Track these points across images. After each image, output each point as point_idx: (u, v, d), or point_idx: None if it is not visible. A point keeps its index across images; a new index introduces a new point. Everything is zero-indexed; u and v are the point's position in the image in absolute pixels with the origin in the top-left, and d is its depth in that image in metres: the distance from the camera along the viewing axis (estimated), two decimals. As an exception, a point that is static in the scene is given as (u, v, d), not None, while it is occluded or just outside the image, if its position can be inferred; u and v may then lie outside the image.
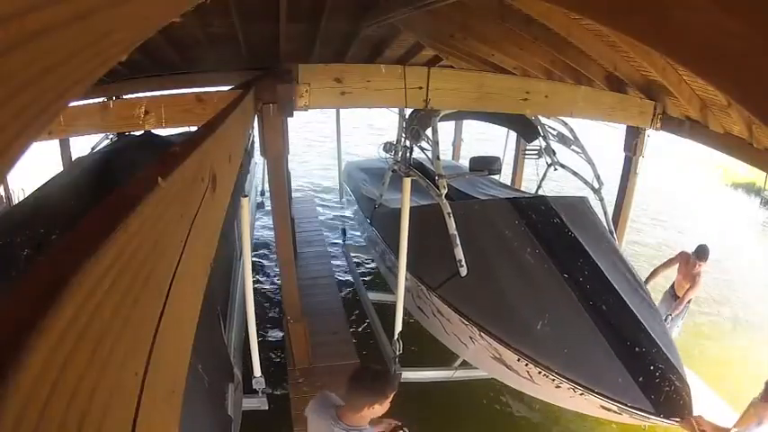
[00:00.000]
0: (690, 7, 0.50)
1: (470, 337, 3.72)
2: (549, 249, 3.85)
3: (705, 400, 4.21)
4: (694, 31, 0.51)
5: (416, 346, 4.82)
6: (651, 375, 3.14)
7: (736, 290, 7.41)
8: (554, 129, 5.16)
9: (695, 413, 3.09)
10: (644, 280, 4.33)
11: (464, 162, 7.13)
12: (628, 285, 3.78)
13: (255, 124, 3.74)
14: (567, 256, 3.84)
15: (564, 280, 3.65)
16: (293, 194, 8.18)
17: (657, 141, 4.82)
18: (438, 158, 4.29)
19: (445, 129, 7.19)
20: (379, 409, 2.24)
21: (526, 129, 5.62)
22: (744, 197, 12.91)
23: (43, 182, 4.12)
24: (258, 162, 7.30)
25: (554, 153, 5.33)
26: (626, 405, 3.06)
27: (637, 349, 3.25)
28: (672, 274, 5.22)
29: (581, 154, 4.79)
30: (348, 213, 8.61)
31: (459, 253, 3.83)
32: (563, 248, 3.89)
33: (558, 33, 3.69)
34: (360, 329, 5.47)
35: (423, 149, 4.96)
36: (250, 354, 3.72)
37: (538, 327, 3.40)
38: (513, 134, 7.16)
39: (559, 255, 3.83)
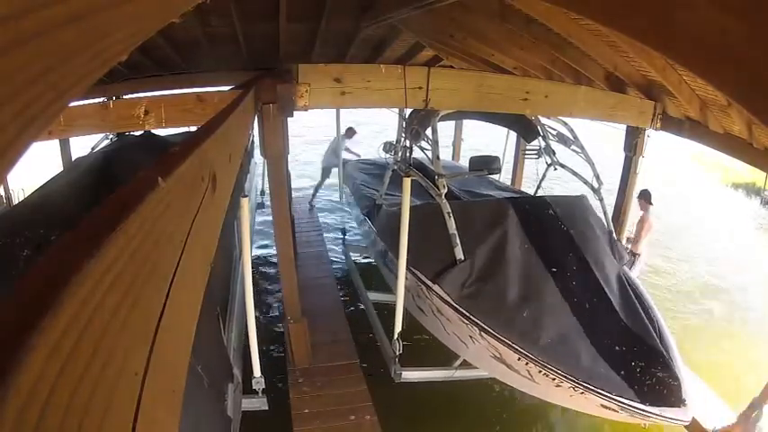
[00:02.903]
0: (690, 7, 0.50)
1: (470, 337, 3.73)
2: (544, 251, 3.92)
3: (704, 401, 4.22)
4: (694, 31, 0.51)
5: (415, 344, 4.82)
6: (633, 368, 3.24)
7: (736, 289, 7.41)
8: (554, 129, 5.16)
9: (694, 410, 3.12)
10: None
11: (464, 162, 7.13)
12: (616, 283, 3.86)
13: (255, 124, 3.74)
14: (559, 256, 3.90)
15: (552, 278, 3.74)
16: (293, 194, 8.18)
17: (658, 141, 4.82)
18: (438, 158, 4.29)
19: (445, 129, 7.18)
20: None
21: (526, 129, 5.62)
22: (744, 197, 12.91)
23: (43, 182, 4.12)
24: (258, 162, 7.29)
25: (554, 153, 5.33)
26: (611, 395, 3.12)
27: (617, 346, 3.36)
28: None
29: (581, 154, 4.79)
30: (348, 212, 8.61)
31: (459, 252, 3.84)
32: (557, 249, 3.95)
33: (558, 33, 3.68)
34: (360, 329, 5.47)
35: (422, 149, 4.96)
36: (250, 354, 3.72)
37: (524, 314, 3.52)
38: (513, 134, 7.16)
39: (552, 255, 3.90)
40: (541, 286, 3.72)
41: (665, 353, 3.34)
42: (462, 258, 3.84)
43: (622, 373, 3.21)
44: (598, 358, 3.28)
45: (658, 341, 3.42)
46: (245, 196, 3.72)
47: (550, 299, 3.63)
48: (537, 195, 5.34)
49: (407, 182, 3.89)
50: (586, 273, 3.81)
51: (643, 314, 3.67)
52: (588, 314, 3.55)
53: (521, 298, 3.64)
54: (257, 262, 7.14)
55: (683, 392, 3.14)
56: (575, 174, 4.89)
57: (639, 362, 3.27)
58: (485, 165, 4.84)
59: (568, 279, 3.75)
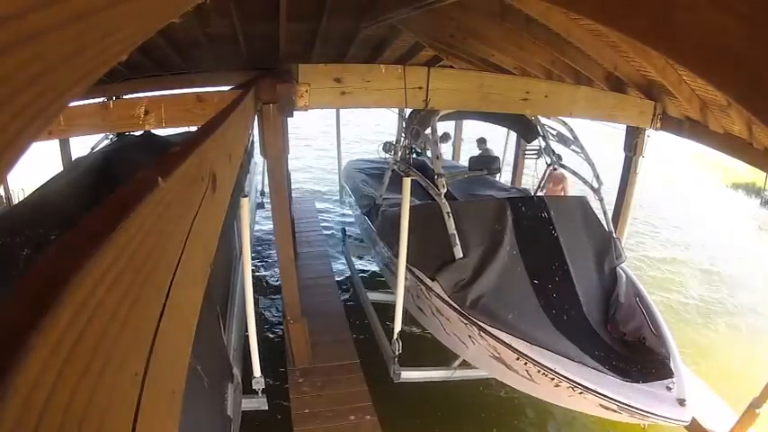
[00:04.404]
0: (690, 7, 0.50)
1: (470, 337, 3.73)
2: (530, 259, 3.99)
3: (704, 401, 4.22)
4: (694, 31, 0.51)
5: (415, 346, 4.82)
6: (616, 365, 3.40)
7: (737, 288, 7.41)
8: (554, 129, 5.16)
9: (693, 410, 3.16)
10: None
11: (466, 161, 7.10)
12: (600, 289, 3.99)
13: (255, 124, 3.74)
14: (544, 266, 3.99)
15: (533, 290, 3.85)
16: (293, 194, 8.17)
17: (658, 141, 4.82)
18: (437, 158, 4.29)
19: (444, 129, 7.16)
20: None
21: (526, 129, 5.61)
22: (744, 197, 12.91)
23: (43, 182, 4.11)
24: (258, 162, 7.29)
25: (554, 153, 5.33)
26: (602, 372, 3.24)
27: (597, 351, 3.50)
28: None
29: (581, 154, 4.79)
30: (348, 212, 8.61)
31: (459, 252, 3.85)
32: (542, 258, 4.02)
33: (558, 33, 3.69)
34: (360, 329, 5.47)
35: (423, 149, 4.97)
36: (250, 354, 3.72)
37: (508, 317, 3.62)
38: (514, 134, 7.16)
39: (537, 265, 3.98)
40: (523, 297, 3.81)
41: (645, 356, 3.51)
42: (462, 257, 3.85)
43: (606, 367, 3.36)
44: (583, 355, 3.42)
45: (639, 344, 3.61)
46: (245, 196, 3.72)
47: (531, 311, 3.73)
48: (536, 196, 5.34)
49: (407, 182, 3.89)
50: (567, 285, 3.93)
51: (635, 313, 3.78)
52: (566, 325, 3.67)
53: (505, 304, 3.70)
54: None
55: (671, 367, 3.30)
56: (575, 174, 4.89)
57: (620, 363, 3.44)
58: (485, 165, 4.85)
59: (549, 291, 3.86)
